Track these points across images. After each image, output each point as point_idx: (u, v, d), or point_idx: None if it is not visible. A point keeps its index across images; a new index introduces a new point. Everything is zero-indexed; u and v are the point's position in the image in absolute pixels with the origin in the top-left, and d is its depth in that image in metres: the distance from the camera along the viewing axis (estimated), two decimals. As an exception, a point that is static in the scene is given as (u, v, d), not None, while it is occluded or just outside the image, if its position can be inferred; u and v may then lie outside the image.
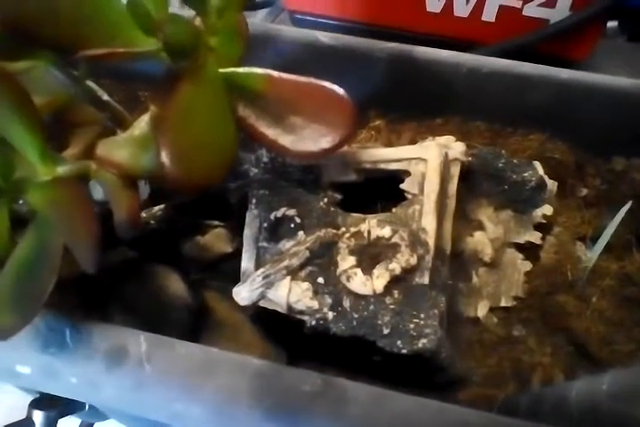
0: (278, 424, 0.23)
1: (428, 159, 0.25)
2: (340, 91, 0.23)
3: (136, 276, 0.34)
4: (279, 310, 0.26)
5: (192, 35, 0.19)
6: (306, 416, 0.23)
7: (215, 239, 0.35)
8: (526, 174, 0.32)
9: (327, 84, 0.23)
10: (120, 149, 0.21)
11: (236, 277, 0.36)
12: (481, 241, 0.32)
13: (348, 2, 0.50)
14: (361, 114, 0.37)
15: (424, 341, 0.25)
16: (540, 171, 0.33)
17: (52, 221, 0.20)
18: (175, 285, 0.34)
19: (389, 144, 0.37)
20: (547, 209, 0.34)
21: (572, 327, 0.33)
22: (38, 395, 0.45)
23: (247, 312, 0.31)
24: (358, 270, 0.24)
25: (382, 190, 0.29)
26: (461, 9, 0.47)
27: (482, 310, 0.33)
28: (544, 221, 0.34)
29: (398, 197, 0.28)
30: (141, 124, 0.22)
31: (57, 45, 0.20)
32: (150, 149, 0.22)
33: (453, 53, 0.37)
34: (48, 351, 0.24)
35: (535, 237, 0.34)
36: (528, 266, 0.34)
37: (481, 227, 0.33)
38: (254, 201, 0.27)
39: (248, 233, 0.27)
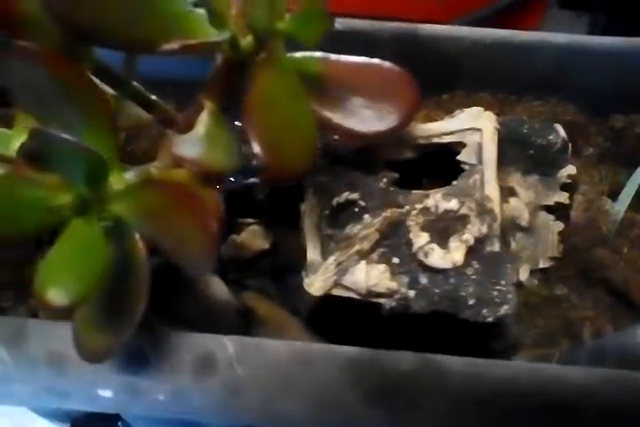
0: (381, 408, 0.23)
1: (482, 129, 0.25)
2: (398, 68, 0.23)
3: (175, 282, 0.33)
4: (353, 296, 0.26)
5: (270, 21, 0.18)
6: (408, 396, 0.23)
7: (251, 237, 0.34)
8: (551, 137, 0.33)
9: (383, 62, 0.23)
10: (196, 148, 0.20)
11: (273, 274, 0.35)
12: (517, 207, 0.33)
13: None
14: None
15: (506, 307, 0.25)
16: (562, 133, 0.33)
17: (140, 230, 0.19)
18: (219, 288, 0.33)
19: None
20: (571, 169, 0.34)
21: (610, 279, 0.34)
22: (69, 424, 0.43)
23: (306, 306, 0.31)
24: (435, 245, 0.24)
25: (421, 166, 0.29)
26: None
27: (523, 274, 0.33)
28: (569, 181, 0.35)
29: (437, 172, 0.29)
30: (202, 120, 0.21)
31: (111, 41, 0.19)
32: (221, 145, 0.21)
33: (455, 28, 0.37)
34: (130, 370, 0.23)
35: (563, 197, 0.35)
36: (560, 226, 0.35)
37: (513, 193, 0.34)
38: (311, 190, 0.26)
39: (308, 223, 0.26)
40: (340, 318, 0.30)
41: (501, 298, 0.24)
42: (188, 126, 0.23)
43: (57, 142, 0.16)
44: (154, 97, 0.23)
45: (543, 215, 0.35)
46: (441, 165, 0.28)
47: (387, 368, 0.23)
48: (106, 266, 0.17)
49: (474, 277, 0.24)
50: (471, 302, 0.24)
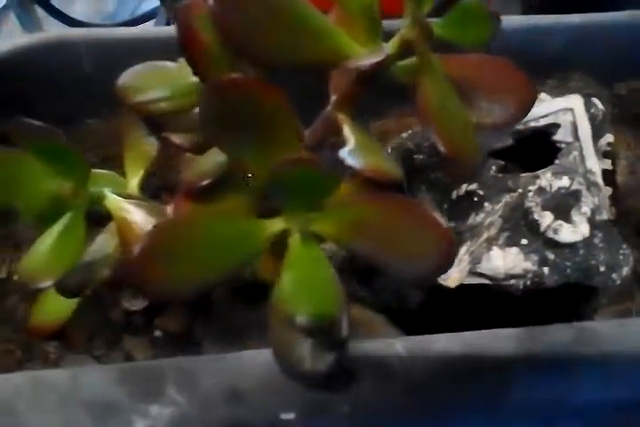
0: (551, 378, 0.24)
1: (574, 108, 0.27)
2: (511, 62, 0.24)
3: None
4: (485, 282, 0.27)
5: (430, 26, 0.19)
6: (571, 364, 0.24)
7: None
8: (592, 110, 0.35)
9: (496, 57, 0.24)
10: (367, 158, 0.20)
11: (358, 277, 0.36)
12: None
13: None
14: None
15: (626, 268, 0.27)
16: (601, 106, 0.36)
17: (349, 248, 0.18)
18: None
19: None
20: (609, 137, 0.37)
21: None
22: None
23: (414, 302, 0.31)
24: (562, 222, 0.26)
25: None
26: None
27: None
28: (609, 149, 0.37)
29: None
30: (349, 133, 0.22)
31: (263, 58, 0.19)
32: (382, 154, 0.21)
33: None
34: (316, 386, 0.23)
35: (607, 164, 0.37)
36: (609, 191, 0.37)
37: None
38: (424, 187, 0.27)
39: (428, 219, 0.27)
40: (447, 307, 0.30)
41: (625, 261, 0.26)
42: (318, 142, 0.23)
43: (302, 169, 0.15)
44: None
45: (593, 183, 0.37)
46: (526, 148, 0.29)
47: (549, 342, 0.24)
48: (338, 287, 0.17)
49: (601, 245, 0.26)
50: (602, 268, 0.26)
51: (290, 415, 0.23)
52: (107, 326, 0.33)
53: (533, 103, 0.24)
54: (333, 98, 0.23)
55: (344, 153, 0.21)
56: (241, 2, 0.17)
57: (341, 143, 0.21)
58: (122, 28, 0.51)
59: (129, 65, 0.24)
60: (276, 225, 0.18)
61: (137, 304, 0.35)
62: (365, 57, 0.19)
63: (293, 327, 0.19)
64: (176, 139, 0.23)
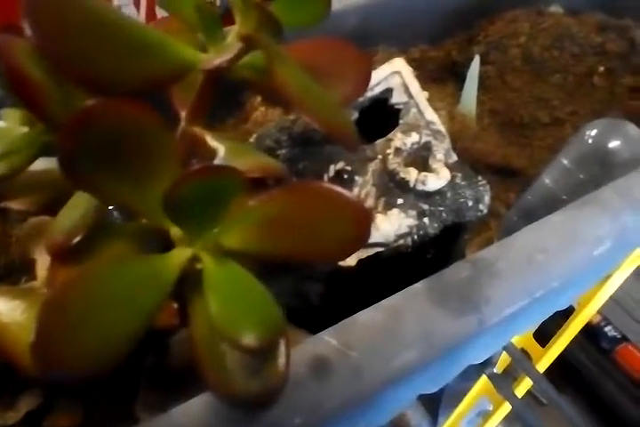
0: (469, 316, 0.24)
1: (400, 70, 0.28)
2: (349, 43, 0.24)
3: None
4: (379, 249, 0.27)
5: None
6: (474, 294, 0.25)
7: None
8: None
9: (337, 40, 0.23)
10: (245, 160, 0.18)
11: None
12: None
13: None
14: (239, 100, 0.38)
15: (487, 197, 0.28)
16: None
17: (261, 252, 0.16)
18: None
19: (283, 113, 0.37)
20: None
21: (491, 163, 0.41)
22: None
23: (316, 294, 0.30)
24: (425, 173, 0.26)
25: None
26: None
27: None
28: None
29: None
30: (213, 144, 0.20)
31: (102, 84, 0.16)
32: (255, 153, 0.20)
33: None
34: (256, 412, 0.20)
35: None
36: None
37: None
38: (295, 178, 0.26)
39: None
40: (348, 290, 0.30)
41: (484, 190, 0.28)
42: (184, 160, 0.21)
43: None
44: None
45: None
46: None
47: (454, 279, 0.25)
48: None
49: (463, 182, 0.27)
50: (470, 203, 0.27)
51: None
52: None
53: (370, 74, 0.24)
54: (183, 113, 0.20)
55: (219, 162, 0.19)
56: (61, 28, 0.14)
57: (210, 154, 0.19)
58: None
59: None
60: (182, 254, 0.15)
61: (14, 416, 0.28)
62: (212, 59, 0.17)
63: (233, 354, 0.16)
64: (18, 205, 0.19)
